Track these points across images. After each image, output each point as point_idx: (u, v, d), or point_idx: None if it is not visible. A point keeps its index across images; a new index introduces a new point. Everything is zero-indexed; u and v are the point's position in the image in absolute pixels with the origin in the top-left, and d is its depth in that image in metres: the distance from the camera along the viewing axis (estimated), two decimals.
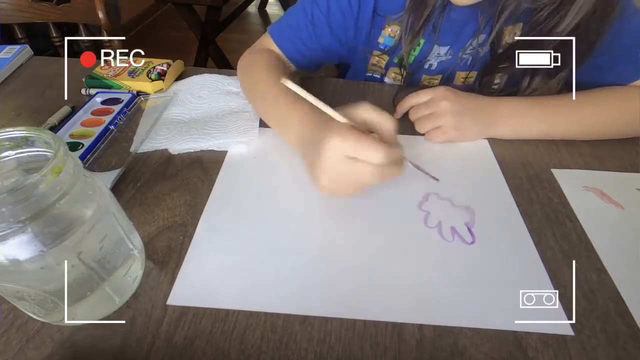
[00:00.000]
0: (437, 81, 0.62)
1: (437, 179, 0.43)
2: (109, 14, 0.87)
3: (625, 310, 0.33)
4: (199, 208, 0.41)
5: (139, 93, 0.59)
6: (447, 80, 0.61)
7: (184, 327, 0.32)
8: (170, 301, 0.33)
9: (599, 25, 0.47)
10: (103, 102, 0.56)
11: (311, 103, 0.39)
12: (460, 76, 0.61)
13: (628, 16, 0.49)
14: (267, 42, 0.60)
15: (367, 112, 0.39)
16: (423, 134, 0.51)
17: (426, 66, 0.60)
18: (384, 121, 0.39)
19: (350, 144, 0.36)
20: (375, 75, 0.67)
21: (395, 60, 0.61)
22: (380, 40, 0.60)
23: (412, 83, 0.63)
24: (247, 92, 0.56)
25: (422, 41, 0.57)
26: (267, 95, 0.51)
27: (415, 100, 0.51)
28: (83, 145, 0.48)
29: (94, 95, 0.57)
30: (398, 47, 0.59)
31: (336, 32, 0.59)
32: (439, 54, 0.59)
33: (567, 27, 0.47)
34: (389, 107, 0.57)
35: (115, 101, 0.56)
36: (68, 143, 0.48)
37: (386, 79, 0.65)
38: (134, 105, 0.56)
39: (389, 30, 0.59)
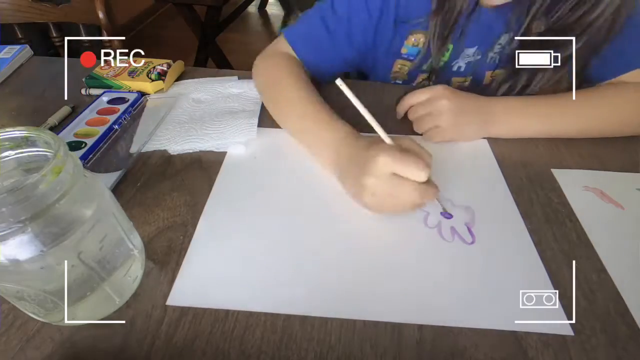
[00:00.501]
0: (467, 83, 0.62)
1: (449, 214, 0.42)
2: (108, 14, 0.88)
3: (625, 310, 0.33)
4: (199, 208, 0.41)
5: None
6: (476, 81, 0.62)
7: (184, 327, 0.32)
8: (170, 302, 0.33)
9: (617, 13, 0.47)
10: (109, 102, 0.56)
11: (344, 122, 0.44)
12: (489, 75, 0.61)
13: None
14: (284, 46, 0.58)
15: (410, 144, 0.40)
16: (422, 134, 0.51)
17: (455, 68, 0.60)
18: (423, 154, 0.39)
19: (398, 162, 0.37)
20: (398, 82, 0.67)
21: (424, 68, 0.61)
22: (404, 50, 0.60)
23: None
24: (266, 93, 0.55)
25: (450, 46, 0.57)
26: (292, 100, 0.50)
27: (413, 99, 0.51)
28: (86, 144, 0.48)
29: (101, 95, 0.57)
30: (425, 55, 0.59)
31: (356, 44, 0.58)
32: (467, 55, 0.59)
33: (600, 14, 0.47)
34: (390, 106, 0.57)
35: (121, 101, 0.56)
36: (72, 142, 0.48)
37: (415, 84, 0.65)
38: (139, 105, 0.56)
39: (412, 40, 0.59)
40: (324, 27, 0.56)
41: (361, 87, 0.62)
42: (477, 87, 0.62)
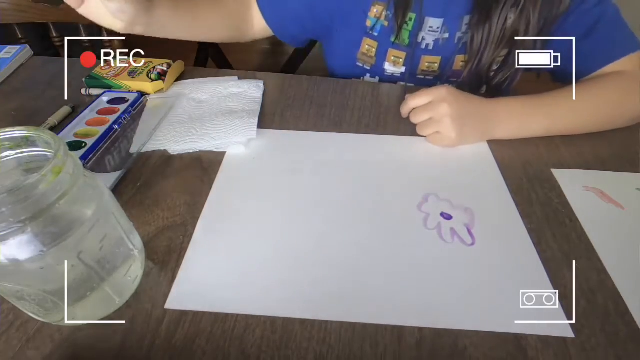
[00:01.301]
0: (437, 64, 0.62)
1: None
2: None
3: (625, 310, 0.33)
4: (198, 208, 0.41)
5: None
6: (446, 64, 0.61)
7: (184, 327, 0.32)
8: (168, 305, 0.33)
9: None
10: (109, 102, 0.56)
11: None
12: (459, 59, 0.61)
13: (606, 3, 0.52)
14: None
15: None
16: (423, 136, 0.51)
17: (423, 46, 0.60)
18: None
19: None
20: (365, 67, 0.66)
21: (392, 40, 0.61)
22: (368, 23, 0.61)
23: (413, 66, 0.63)
24: None
25: (412, 16, 0.58)
26: None
27: (415, 102, 0.51)
28: (86, 144, 0.48)
29: (101, 95, 0.57)
30: (387, 29, 0.60)
31: (314, 9, 0.62)
32: (431, 28, 0.58)
33: None
34: (390, 106, 0.57)
35: (121, 101, 0.56)
36: (72, 142, 0.48)
37: (386, 64, 0.64)
38: (139, 105, 0.56)
39: (374, 11, 0.59)
40: None
41: (360, 87, 0.62)
42: (448, 72, 0.62)
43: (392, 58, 0.63)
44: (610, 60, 0.53)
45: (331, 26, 0.65)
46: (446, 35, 0.59)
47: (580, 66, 0.52)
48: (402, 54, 0.62)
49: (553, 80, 0.59)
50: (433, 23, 0.58)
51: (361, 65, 0.67)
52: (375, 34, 0.62)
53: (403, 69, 0.64)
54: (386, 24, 0.60)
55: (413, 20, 0.58)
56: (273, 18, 0.64)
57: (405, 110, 0.53)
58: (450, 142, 0.50)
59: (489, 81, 0.60)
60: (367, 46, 0.64)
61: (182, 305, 0.33)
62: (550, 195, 0.44)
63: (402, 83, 0.64)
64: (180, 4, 0.53)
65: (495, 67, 0.58)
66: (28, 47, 0.69)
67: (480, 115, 0.50)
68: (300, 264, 0.36)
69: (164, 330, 0.31)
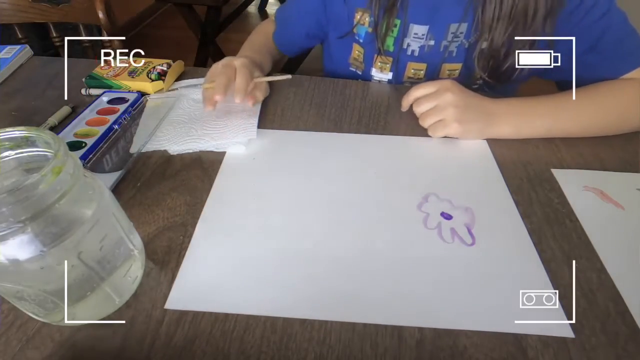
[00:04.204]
0: (422, 71, 0.62)
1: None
2: (108, 14, 0.88)
3: (625, 310, 0.33)
4: (198, 208, 0.41)
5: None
6: (433, 72, 0.62)
7: (183, 328, 0.32)
8: (168, 305, 0.33)
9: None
10: (109, 102, 0.56)
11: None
12: (446, 68, 0.61)
13: (612, 13, 0.51)
14: (271, 25, 0.74)
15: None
16: (423, 136, 0.51)
17: (408, 52, 0.61)
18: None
19: None
20: (358, 72, 0.68)
21: (377, 47, 0.61)
22: (354, 29, 0.62)
23: (399, 72, 0.63)
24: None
25: (397, 22, 0.58)
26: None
27: (419, 92, 0.51)
28: (86, 144, 0.48)
29: (101, 95, 0.57)
30: (372, 35, 0.60)
31: (312, 21, 0.67)
32: (416, 35, 0.59)
33: None
34: (390, 106, 0.57)
35: (121, 101, 0.56)
36: (72, 142, 0.48)
37: (373, 70, 0.65)
38: (139, 105, 0.56)
39: (358, 17, 0.60)
40: (290, 5, 0.70)
41: (360, 87, 0.62)
42: (434, 79, 0.62)
43: (379, 64, 0.64)
44: (619, 74, 0.52)
45: (327, 30, 0.68)
46: (432, 43, 0.59)
47: (588, 79, 0.52)
48: (388, 60, 0.63)
49: (559, 89, 0.58)
50: (418, 30, 0.58)
51: (354, 70, 0.68)
52: (361, 40, 0.63)
53: (390, 75, 0.64)
54: (370, 30, 0.60)
55: (398, 26, 0.58)
56: (290, 52, 0.77)
57: (407, 101, 0.53)
58: (452, 131, 0.49)
59: (496, 71, 0.58)
60: (357, 52, 0.65)
61: (182, 306, 0.33)
62: (550, 195, 0.44)
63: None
64: (265, 53, 0.68)
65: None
66: (28, 47, 0.69)
67: (483, 109, 0.50)
68: (300, 264, 0.36)
69: (163, 330, 0.31)
